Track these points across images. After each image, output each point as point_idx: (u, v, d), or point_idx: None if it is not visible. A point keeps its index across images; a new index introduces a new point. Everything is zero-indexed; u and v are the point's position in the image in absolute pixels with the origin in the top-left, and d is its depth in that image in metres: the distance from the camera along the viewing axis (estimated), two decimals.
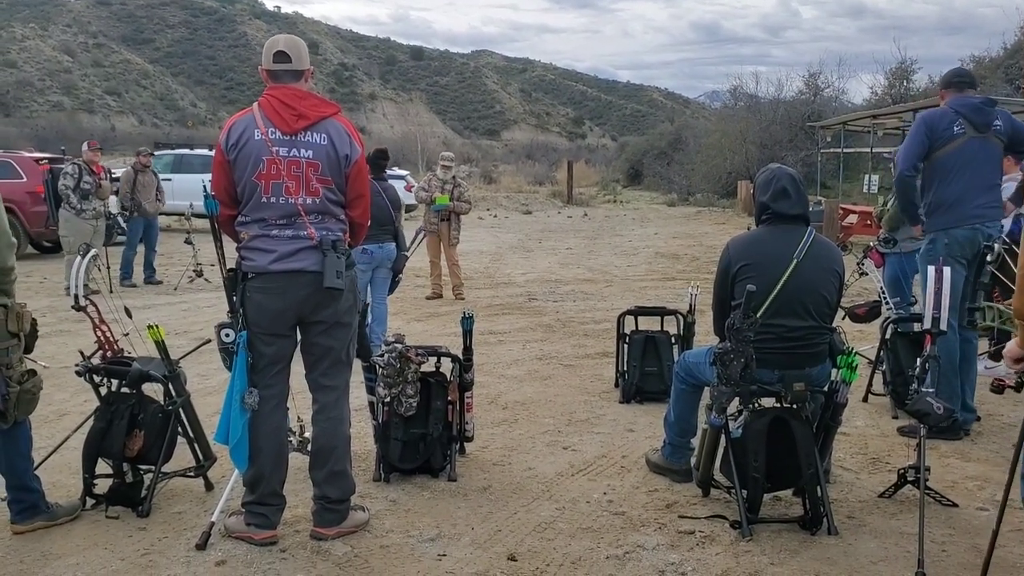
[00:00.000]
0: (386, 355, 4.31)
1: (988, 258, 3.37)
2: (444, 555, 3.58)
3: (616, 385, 6.25)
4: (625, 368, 6.10)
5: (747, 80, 40.02)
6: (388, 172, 7.68)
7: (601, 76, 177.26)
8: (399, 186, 18.50)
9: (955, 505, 4.04)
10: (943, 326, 3.90)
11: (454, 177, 10.84)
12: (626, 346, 6.11)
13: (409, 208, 16.64)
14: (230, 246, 3.68)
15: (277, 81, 3.59)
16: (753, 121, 35.19)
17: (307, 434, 4.01)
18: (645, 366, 6.01)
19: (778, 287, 3.81)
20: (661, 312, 6.33)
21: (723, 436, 3.90)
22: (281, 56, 3.57)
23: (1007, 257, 5.17)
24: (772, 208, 3.96)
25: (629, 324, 6.21)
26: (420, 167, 38.33)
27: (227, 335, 3.59)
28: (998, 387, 3.22)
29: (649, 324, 6.33)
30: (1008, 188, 6.65)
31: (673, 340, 6.08)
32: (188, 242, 11.22)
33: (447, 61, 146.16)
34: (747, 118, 35.92)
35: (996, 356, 4.89)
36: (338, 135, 3.59)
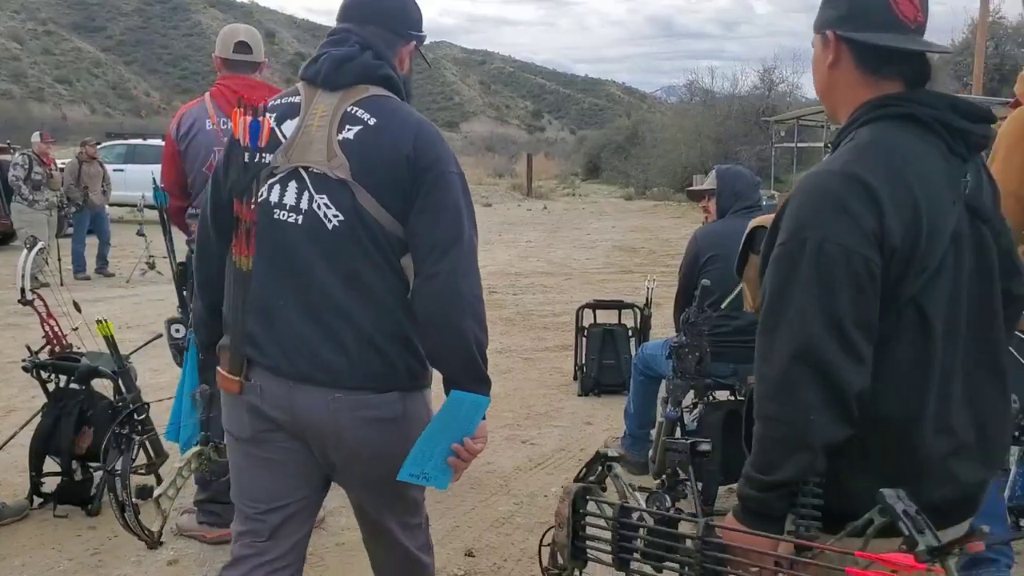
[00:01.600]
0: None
1: None
2: None
3: (575, 378, 6.27)
4: (583, 361, 6.12)
5: (703, 75, 40.44)
6: None
7: (559, 69, 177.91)
8: None
9: None
10: None
11: None
12: (584, 339, 6.13)
13: None
14: (181, 239, 3.61)
15: (232, 71, 3.53)
16: (709, 116, 35.52)
17: None
18: (603, 359, 6.03)
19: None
20: (619, 305, 6.37)
21: (679, 429, 3.92)
22: (242, 47, 3.51)
23: None
24: (743, 198, 4.04)
25: (588, 317, 6.23)
26: None
27: (177, 331, 3.53)
28: None
29: (607, 317, 6.35)
30: None
31: (630, 333, 6.11)
32: (140, 234, 11.02)
33: None
34: (703, 113, 36.26)
35: None
36: None
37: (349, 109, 1.98)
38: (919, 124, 1.54)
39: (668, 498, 1.84)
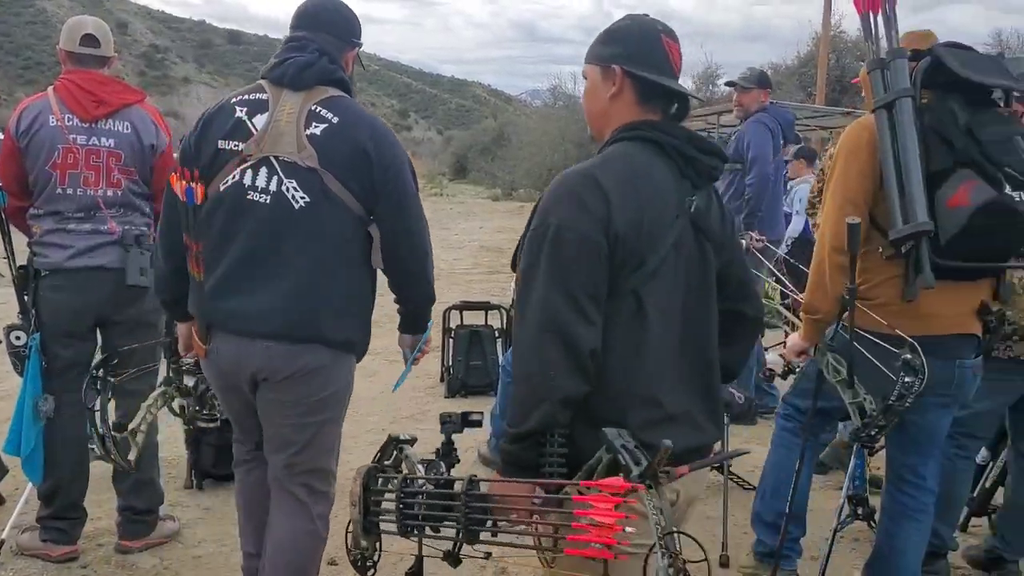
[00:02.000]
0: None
1: None
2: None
3: (442, 380, 6.27)
4: (450, 363, 6.12)
5: (566, 80, 41.06)
6: None
7: (426, 69, 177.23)
8: None
9: (755, 488, 4.30)
10: None
11: None
12: (451, 341, 6.14)
13: None
14: (22, 240, 3.40)
15: (79, 65, 3.35)
16: (572, 120, 36.17)
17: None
18: (470, 361, 6.06)
19: None
20: (485, 307, 6.41)
21: None
22: (89, 40, 3.34)
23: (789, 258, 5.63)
24: None
25: (455, 319, 6.24)
26: None
27: (17, 338, 3.32)
28: (768, 374, 3.46)
29: (474, 318, 6.38)
30: (803, 190, 7.17)
31: (497, 334, 6.16)
32: None
33: (266, 46, 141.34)
34: (566, 117, 36.91)
35: None
36: (143, 123, 3.39)
37: (313, 108, 2.40)
38: (659, 148, 1.89)
39: (443, 464, 1.97)
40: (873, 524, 3.49)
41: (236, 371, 2.46)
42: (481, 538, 1.69)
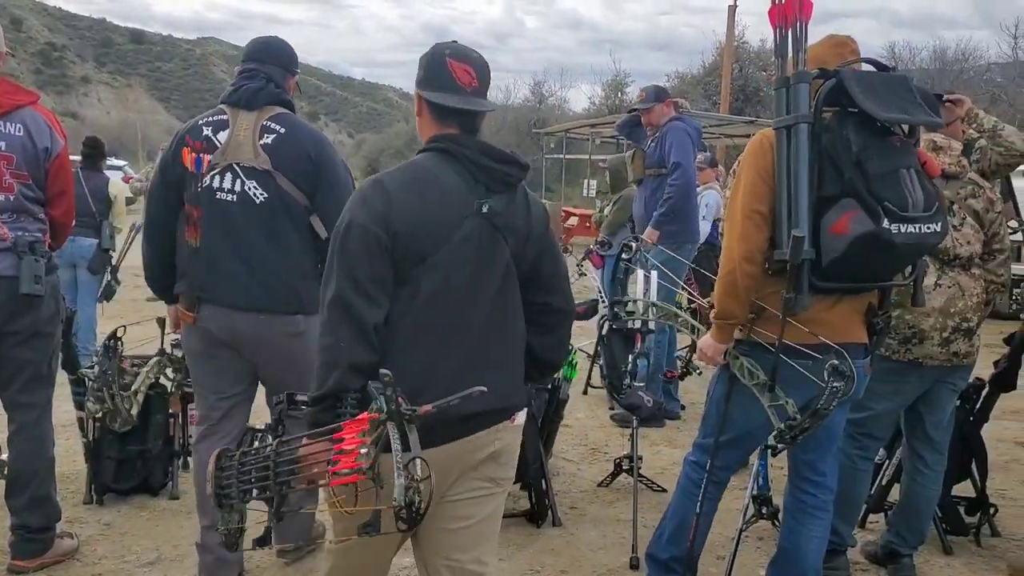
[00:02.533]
0: (96, 366, 3.98)
1: (623, 255, 3.86)
2: None
3: None
4: None
5: None
6: (105, 162, 7.04)
7: (335, 72, 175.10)
8: (116, 176, 17.10)
9: (664, 490, 4.39)
10: (652, 325, 4.23)
11: None
12: None
13: (127, 202, 15.39)
14: None
15: None
16: (485, 126, 36.25)
17: (3, 456, 3.61)
18: None
19: None
20: None
21: None
22: None
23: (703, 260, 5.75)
24: None
25: None
26: (141, 157, 35.80)
27: None
28: (668, 377, 3.54)
29: None
30: (709, 196, 7.36)
31: None
32: None
33: (170, 46, 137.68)
34: None
35: None
36: (36, 126, 3.26)
37: (265, 123, 3.01)
38: (451, 158, 2.19)
39: (270, 436, 2.06)
40: (777, 523, 3.60)
41: (227, 336, 3.05)
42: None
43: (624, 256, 3.79)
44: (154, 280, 3.22)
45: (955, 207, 3.27)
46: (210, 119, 3.06)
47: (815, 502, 2.98)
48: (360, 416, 1.82)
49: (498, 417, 2.23)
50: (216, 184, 2.97)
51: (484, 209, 2.18)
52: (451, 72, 2.22)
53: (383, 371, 1.82)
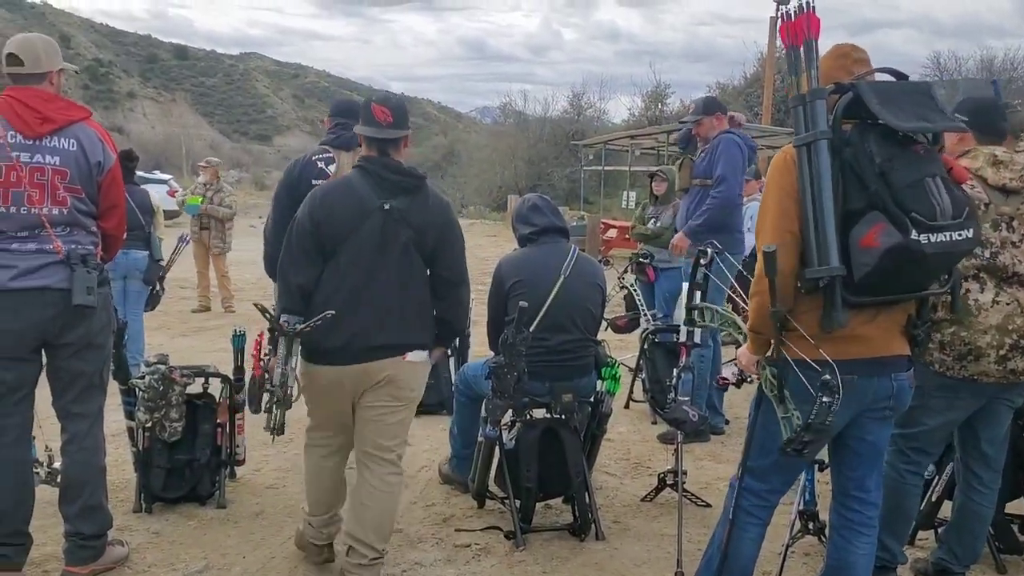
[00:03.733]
0: (147, 377, 4.04)
1: (701, 261, 3.79)
2: None
3: None
4: None
5: (516, 98, 41.40)
6: (151, 176, 7.22)
7: (375, 86, 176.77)
8: (161, 191, 17.41)
9: (709, 505, 4.35)
10: (698, 339, 4.20)
11: (218, 181, 10.38)
12: None
13: (171, 215, 15.65)
14: None
15: (17, 83, 3.29)
16: (522, 138, 36.42)
17: (56, 465, 3.68)
18: None
19: (548, 302, 3.95)
20: None
21: (497, 448, 3.98)
22: (11, 59, 3.27)
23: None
24: (530, 224, 4.16)
25: None
26: (185, 170, 36.41)
27: None
28: (723, 385, 3.52)
29: None
30: (753, 208, 7.29)
31: (449, 353, 6.13)
32: None
33: (214, 62, 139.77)
34: (516, 135, 37.13)
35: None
36: (89, 141, 3.33)
37: (356, 160, 3.54)
38: (365, 172, 3.31)
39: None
40: (824, 539, 3.54)
41: None
42: None
43: (702, 262, 3.75)
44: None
45: (1015, 223, 3.20)
46: (321, 156, 4.34)
47: (860, 519, 2.93)
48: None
49: (392, 352, 3.27)
50: None
51: (386, 207, 3.24)
52: (371, 112, 3.31)
53: (292, 316, 3.22)
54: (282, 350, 3.16)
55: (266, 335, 3.30)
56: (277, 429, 3.25)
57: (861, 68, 2.78)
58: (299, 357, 3.19)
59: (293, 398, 3.20)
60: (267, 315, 3.21)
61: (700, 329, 3.86)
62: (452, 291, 3.44)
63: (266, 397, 3.24)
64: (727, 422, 5.77)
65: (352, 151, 4.28)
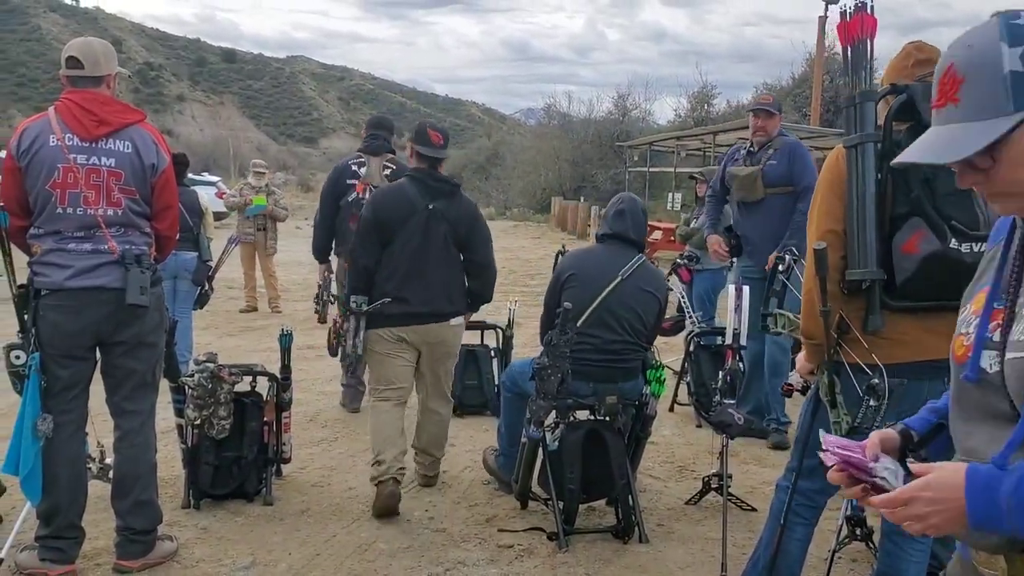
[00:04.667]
0: (196, 375, 4.11)
1: (779, 267, 3.71)
2: None
3: None
4: None
5: (560, 99, 41.34)
6: (200, 178, 7.44)
7: (419, 88, 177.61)
8: (210, 192, 17.68)
9: (754, 510, 4.31)
10: (743, 341, 4.17)
11: (267, 185, 10.54)
12: None
13: (220, 216, 15.92)
14: (22, 259, 3.40)
15: (75, 86, 3.37)
16: (566, 139, 36.35)
17: (108, 461, 3.76)
18: (466, 380, 6.05)
19: (599, 299, 3.96)
20: (481, 326, 6.40)
21: (540, 449, 3.99)
22: (72, 62, 3.35)
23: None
24: (611, 227, 4.15)
25: None
26: (233, 173, 36.96)
27: (17, 357, 3.31)
28: (787, 391, 3.48)
29: (470, 338, 6.37)
30: None
31: (493, 354, 6.16)
32: None
33: (261, 65, 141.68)
34: (560, 136, 37.06)
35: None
36: (143, 143, 3.40)
37: (384, 163, 5.51)
38: (416, 180, 4.29)
39: None
40: (872, 545, 3.49)
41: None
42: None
43: (780, 268, 3.70)
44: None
45: None
46: (355, 160, 5.67)
47: None
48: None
49: (439, 319, 4.33)
50: (352, 198, 5.58)
51: (430, 207, 4.26)
52: (428, 136, 4.36)
53: (360, 296, 4.24)
54: (352, 324, 4.22)
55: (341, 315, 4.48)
56: (354, 363, 5.35)
57: (922, 69, 2.71)
58: (364, 330, 4.23)
59: (362, 357, 4.34)
60: (341, 302, 4.51)
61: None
62: (482, 272, 4.49)
63: (340, 352, 4.69)
64: (790, 421, 5.61)
65: (379, 156, 5.65)
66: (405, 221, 4.20)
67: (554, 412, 3.95)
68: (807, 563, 3.12)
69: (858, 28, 2.64)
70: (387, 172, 5.57)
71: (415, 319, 4.24)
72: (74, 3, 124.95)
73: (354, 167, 5.59)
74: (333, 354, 4.84)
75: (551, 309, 4.11)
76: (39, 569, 3.35)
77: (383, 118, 6.12)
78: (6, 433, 3.45)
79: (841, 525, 3.56)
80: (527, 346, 7.34)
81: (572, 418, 4.06)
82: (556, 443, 3.96)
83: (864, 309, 2.62)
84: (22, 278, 3.35)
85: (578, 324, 3.85)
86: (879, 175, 2.56)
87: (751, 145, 5.61)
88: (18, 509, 3.66)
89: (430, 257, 4.24)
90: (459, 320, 4.45)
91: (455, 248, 4.33)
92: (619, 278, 4.00)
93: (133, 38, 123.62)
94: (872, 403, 2.51)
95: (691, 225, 7.53)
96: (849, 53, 2.68)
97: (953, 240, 2.48)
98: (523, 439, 4.07)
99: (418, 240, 4.21)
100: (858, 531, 3.60)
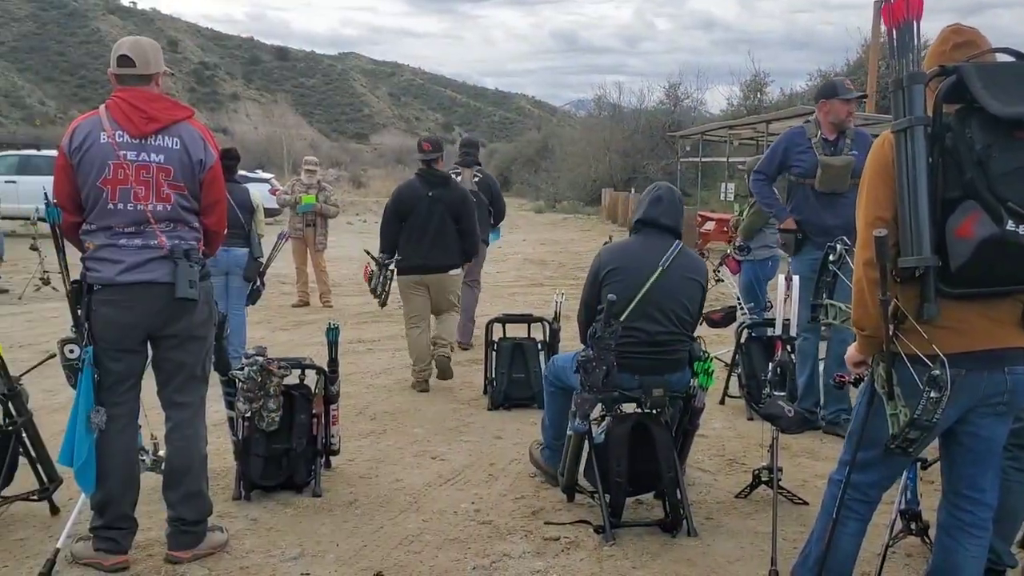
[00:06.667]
0: (246, 368, 4.17)
1: (830, 257, 3.64)
2: (307, 574, 3.49)
3: (485, 392, 6.27)
4: (493, 375, 6.12)
5: (610, 90, 41.21)
6: (253, 175, 7.70)
7: (468, 82, 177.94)
8: (263, 189, 17.95)
9: (806, 503, 4.23)
10: (792, 332, 4.09)
11: (319, 181, 10.65)
12: (494, 353, 6.13)
13: (272, 212, 16.14)
14: (76, 255, 3.47)
15: (125, 84, 3.43)
16: (616, 130, 36.09)
17: (160, 453, 3.83)
18: (513, 373, 6.05)
19: (642, 291, 3.91)
20: (528, 319, 6.40)
21: (586, 442, 3.96)
22: (124, 60, 3.40)
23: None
24: (644, 213, 4.09)
25: (497, 331, 6.24)
26: (286, 170, 37.47)
27: (71, 351, 3.38)
28: (839, 383, 3.41)
29: (517, 331, 6.38)
30: None
31: (540, 347, 6.14)
32: (34, 248, 10.56)
33: (313, 62, 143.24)
34: (611, 127, 36.81)
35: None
36: (191, 139, 3.45)
37: (475, 172, 8.02)
38: (420, 176, 6.60)
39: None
40: (927, 539, 3.40)
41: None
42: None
43: (831, 258, 3.64)
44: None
45: None
46: (452, 171, 7.21)
47: (972, 519, 2.80)
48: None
49: (442, 270, 6.45)
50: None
51: (430, 194, 6.40)
52: (421, 146, 6.52)
53: (386, 256, 6.54)
54: (379, 273, 6.51)
55: (372, 265, 6.62)
56: (383, 302, 6.71)
57: (962, 52, 2.64)
58: (391, 280, 6.52)
59: (387, 299, 6.61)
60: (372, 256, 6.61)
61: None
62: (468, 236, 6.59)
63: (378, 286, 6.56)
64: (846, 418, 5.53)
65: (471, 168, 7.94)
66: (415, 205, 6.40)
67: (600, 405, 3.92)
68: (860, 557, 3.05)
69: (903, 9, 2.56)
70: (476, 179, 7.82)
71: (425, 270, 6.41)
72: (132, 4, 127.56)
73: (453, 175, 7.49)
74: (374, 295, 6.68)
75: (590, 306, 4.08)
76: (94, 559, 3.43)
77: (472, 139, 9.00)
78: (64, 426, 3.53)
79: (895, 519, 3.48)
80: (575, 339, 7.30)
81: (618, 411, 4.03)
82: (602, 436, 3.93)
83: (918, 297, 2.55)
84: (75, 274, 3.44)
85: (621, 319, 3.80)
86: (930, 159, 2.49)
87: (824, 133, 5.37)
88: (74, 500, 3.75)
89: (432, 228, 6.38)
90: (456, 271, 6.62)
91: (451, 221, 6.43)
92: (660, 268, 3.95)
93: (188, 38, 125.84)
94: (933, 395, 2.44)
95: (743, 216, 7.39)
96: (895, 35, 2.60)
97: (1010, 222, 2.39)
98: (568, 432, 4.05)
99: (424, 217, 6.38)
100: (913, 525, 3.52)
